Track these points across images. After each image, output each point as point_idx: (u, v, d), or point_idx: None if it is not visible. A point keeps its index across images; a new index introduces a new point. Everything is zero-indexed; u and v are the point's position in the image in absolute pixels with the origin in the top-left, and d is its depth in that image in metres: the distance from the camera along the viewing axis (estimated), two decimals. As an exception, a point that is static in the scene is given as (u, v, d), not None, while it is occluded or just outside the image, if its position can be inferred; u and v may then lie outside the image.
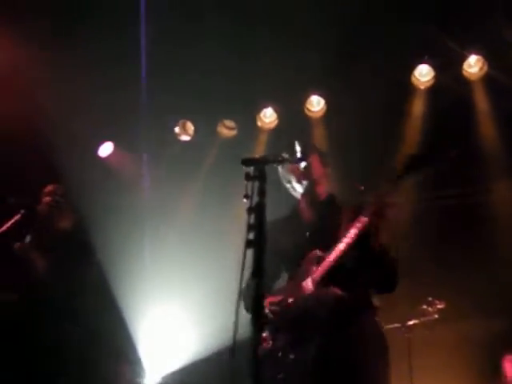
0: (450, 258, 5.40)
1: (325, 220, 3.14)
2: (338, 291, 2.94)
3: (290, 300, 3.02)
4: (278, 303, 3.03)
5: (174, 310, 5.69)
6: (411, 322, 4.84)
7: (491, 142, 5.54)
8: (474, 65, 5.45)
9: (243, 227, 2.49)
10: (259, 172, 2.52)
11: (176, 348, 5.69)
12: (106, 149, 6.32)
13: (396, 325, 4.76)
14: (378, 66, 5.36)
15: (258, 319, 2.27)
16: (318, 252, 3.03)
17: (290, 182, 3.30)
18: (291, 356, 2.93)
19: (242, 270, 2.38)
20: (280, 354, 2.94)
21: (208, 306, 5.25)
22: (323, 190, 3.28)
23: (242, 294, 2.43)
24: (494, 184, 5.61)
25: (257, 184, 2.50)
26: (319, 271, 2.97)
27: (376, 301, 3.10)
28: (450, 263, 5.36)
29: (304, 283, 3.01)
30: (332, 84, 5.68)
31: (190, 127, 6.40)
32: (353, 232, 2.91)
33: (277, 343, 2.97)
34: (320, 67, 5.38)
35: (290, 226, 3.27)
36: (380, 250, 2.92)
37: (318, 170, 3.25)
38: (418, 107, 5.50)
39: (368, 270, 2.97)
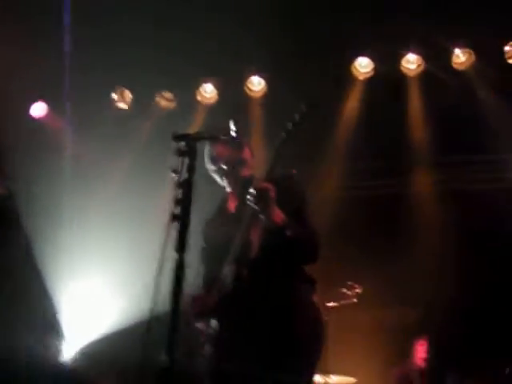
0: (373, 246, 5.58)
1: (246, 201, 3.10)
2: (235, 268, 2.91)
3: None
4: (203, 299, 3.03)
5: (98, 281, 5.64)
6: (330, 304, 4.91)
7: (419, 136, 5.75)
8: (412, 62, 5.60)
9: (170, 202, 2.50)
10: (190, 148, 2.54)
11: (97, 318, 5.66)
12: (37, 109, 6.16)
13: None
14: (318, 55, 5.42)
15: (177, 294, 2.29)
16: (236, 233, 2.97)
17: (215, 162, 3.21)
18: (222, 332, 2.96)
19: (165, 243, 2.38)
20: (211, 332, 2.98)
21: (131, 278, 5.23)
22: (248, 172, 3.20)
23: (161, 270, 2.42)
24: (419, 176, 5.83)
25: (187, 160, 2.52)
26: (231, 252, 2.94)
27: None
28: (372, 250, 5.54)
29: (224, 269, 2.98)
30: (273, 66, 5.71)
31: (128, 95, 6.31)
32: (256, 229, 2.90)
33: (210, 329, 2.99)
34: (264, 47, 5.38)
35: (218, 220, 3.22)
36: (279, 230, 2.87)
37: (247, 154, 3.21)
38: (355, 97, 5.60)
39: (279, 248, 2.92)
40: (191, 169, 2.50)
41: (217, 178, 3.24)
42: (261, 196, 2.85)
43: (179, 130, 2.63)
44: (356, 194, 5.95)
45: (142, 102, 6.25)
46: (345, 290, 5.01)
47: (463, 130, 5.51)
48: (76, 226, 5.75)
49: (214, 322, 3.00)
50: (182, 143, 2.53)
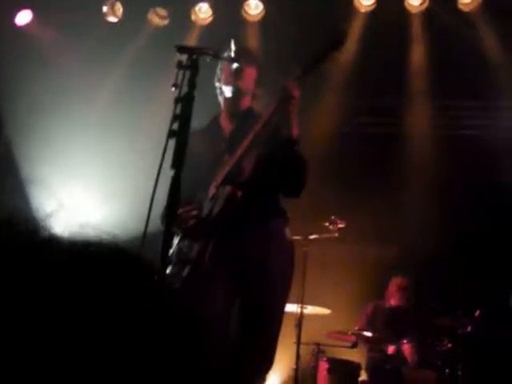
0: (361, 183, 5.57)
1: (242, 132, 2.98)
2: (230, 189, 2.83)
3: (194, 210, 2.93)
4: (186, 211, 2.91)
5: (88, 193, 5.58)
6: (311, 237, 4.90)
7: (418, 77, 5.66)
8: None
9: (163, 120, 2.41)
10: (192, 62, 2.43)
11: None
12: (23, 17, 5.90)
13: (296, 237, 4.88)
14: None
15: (172, 216, 2.24)
16: (226, 157, 2.93)
17: (219, 80, 3.15)
18: (192, 254, 2.92)
19: (162, 161, 2.30)
20: (185, 252, 2.93)
21: (123, 191, 5.19)
22: (246, 103, 3.10)
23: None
24: (415, 118, 5.78)
25: (188, 74, 2.42)
26: (221, 173, 2.89)
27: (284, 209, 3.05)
28: (361, 187, 5.53)
29: (210, 188, 2.92)
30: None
31: (119, 8, 6.04)
32: (261, 121, 2.84)
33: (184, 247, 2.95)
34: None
35: (207, 136, 3.10)
36: (291, 141, 2.83)
37: (249, 81, 3.06)
38: (355, 30, 5.45)
39: (274, 166, 2.87)
40: (192, 83, 2.41)
41: (218, 96, 3.16)
42: (291, 98, 2.77)
43: (171, 47, 2.52)
44: (349, 131, 5.89)
45: (134, 16, 6.00)
46: (327, 224, 5.02)
47: (462, 74, 5.43)
48: (64, 139, 5.58)
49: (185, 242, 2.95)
50: (185, 56, 2.42)
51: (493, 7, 5.30)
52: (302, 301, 4.74)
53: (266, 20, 5.69)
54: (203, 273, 2.85)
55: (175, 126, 2.35)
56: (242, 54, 2.99)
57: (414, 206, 5.55)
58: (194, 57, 2.42)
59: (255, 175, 2.90)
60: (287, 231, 3.04)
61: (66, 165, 5.47)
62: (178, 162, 2.27)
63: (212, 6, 5.85)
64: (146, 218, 2.25)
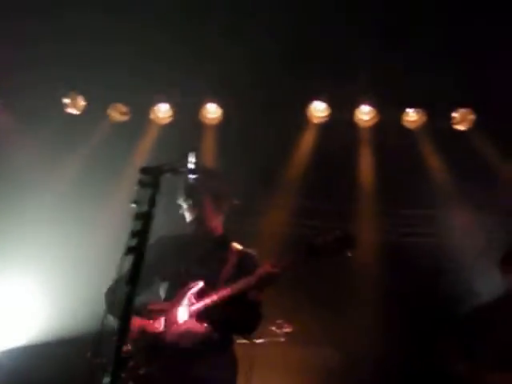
0: (310, 287, 5.64)
1: (213, 256, 3.25)
2: (207, 329, 3.07)
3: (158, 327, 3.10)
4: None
5: (27, 288, 5.45)
6: (258, 341, 4.94)
7: (366, 185, 5.92)
8: (366, 113, 5.77)
9: (111, 221, 2.46)
10: (153, 180, 2.53)
11: (21, 327, 5.46)
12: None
13: (242, 341, 4.88)
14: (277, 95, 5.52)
15: (125, 328, 2.26)
16: (202, 284, 3.12)
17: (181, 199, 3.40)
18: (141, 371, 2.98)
19: (119, 275, 2.35)
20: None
21: (60, 290, 5.10)
22: (215, 225, 3.38)
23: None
24: (363, 223, 6.00)
25: (149, 192, 2.50)
26: (200, 305, 3.09)
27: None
28: (309, 291, 5.60)
29: (180, 310, 3.10)
30: (231, 98, 5.76)
31: (80, 102, 6.16)
32: (244, 282, 3.05)
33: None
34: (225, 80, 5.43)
35: (179, 246, 3.32)
36: (255, 303, 3.12)
37: (207, 211, 3.33)
38: (308, 140, 5.72)
39: (239, 316, 3.12)
40: (152, 201, 2.49)
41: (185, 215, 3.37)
42: (270, 280, 3.02)
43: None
44: (300, 232, 6.03)
45: (95, 110, 6.11)
46: (274, 328, 5.05)
47: (407, 184, 5.72)
48: (13, 228, 5.50)
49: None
50: (147, 176, 2.52)
51: (436, 126, 5.68)
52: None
53: (223, 124, 5.90)
54: None
55: (133, 242, 2.40)
56: (201, 171, 3.14)
57: (358, 311, 5.64)
58: (156, 176, 2.51)
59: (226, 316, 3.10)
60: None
61: (17, 261, 5.38)
62: (133, 280, 2.31)
63: (172, 107, 6.03)
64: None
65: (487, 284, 4.68)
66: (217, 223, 3.40)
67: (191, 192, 3.30)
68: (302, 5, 4.95)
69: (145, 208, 2.47)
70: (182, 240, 3.39)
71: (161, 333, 3.10)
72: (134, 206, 2.47)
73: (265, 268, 3.04)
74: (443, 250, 5.78)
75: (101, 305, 3.15)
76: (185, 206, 3.34)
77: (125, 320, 2.28)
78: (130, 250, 2.37)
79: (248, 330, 3.27)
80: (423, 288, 5.67)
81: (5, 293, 5.46)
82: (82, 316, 4.18)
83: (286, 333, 5.05)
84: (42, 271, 5.37)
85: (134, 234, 2.41)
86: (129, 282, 2.32)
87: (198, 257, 3.29)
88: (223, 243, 3.36)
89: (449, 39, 5.04)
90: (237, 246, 3.37)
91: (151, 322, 3.14)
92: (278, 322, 5.06)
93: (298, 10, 4.94)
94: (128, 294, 2.31)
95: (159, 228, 2.51)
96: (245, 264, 3.20)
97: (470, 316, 4.10)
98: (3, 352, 5.43)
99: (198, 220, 3.32)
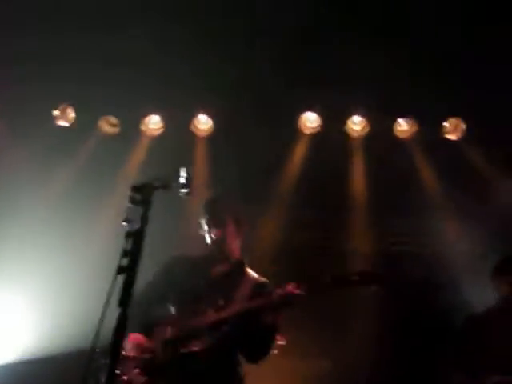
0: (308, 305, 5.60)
1: (228, 280, 3.27)
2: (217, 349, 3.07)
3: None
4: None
5: (16, 305, 5.39)
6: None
7: (358, 195, 5.91)
8: (357, 123, 5.77)
9: (102, 236, 2.43)
10: (145, 198, 2.50)
11: (9, 344, 5.40)
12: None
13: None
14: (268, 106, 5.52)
15: (116, 350, 2.22)
16: (215, 306, 3.13)
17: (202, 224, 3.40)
18: None
19: (108, 298, 2.32)
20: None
21: (50, 306, 5.05)
22: (234, 247, 3.41)
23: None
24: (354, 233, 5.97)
25: (140, 210, 2.47)
26: (213, 320, 3.09)
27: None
28: (301, 304, 5.55)
29: (191, 329, 3.10)
30: (223, 109, 5.74)
31: (71, 113, 6.12)
32: (258, 301, 3.07)
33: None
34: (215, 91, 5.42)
35: (193, 266, 3.35)
36: (268, 327, 3.13)
37: (229, 231, 3.36)
38: (300, 151, 5.71)
39: (252, 340, 3.18)
40: (144, 219, 2.46)
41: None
42: (291, 301, 3.04)
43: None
44: (293, 243, 6.00)
45: (85, 122, 6.08)
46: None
47: (399, 193, 5.72)
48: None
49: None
50: (138, 194, 2.49)
51: (428, 136, 5.69)
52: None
53: (214, 135, 5.88)
54: None
55: (124, 261, 2.37)
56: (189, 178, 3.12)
57: (351, 322, 5.62)
58: (148, 194, 2.49)
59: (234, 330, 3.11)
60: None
61: (6, 277, 5.32)
62: (124, 301, 2.27)
63: (163, 119, 6.01)
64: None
65: (480, 294, 4.68)
66: (236, 246, 3.41)
67: (215, 212, 3.31)
68: (293, 17, 4.96)
69: (137, 226, 2.44)
70: (197, 260, 3.39)
71: (170, 351, 3.07)
72: (125, 224, 2.44)
73: (285, 289, 3.02)
74: (435, 260, 5.78)
75: (91, 322, 3.10)
76: (207, 225, 3.33)
77: (116, 343, 2.24)
78: (121, 270, 2.34)
79: (260, 354, 3.28)
80: (416, 298, 5.65)
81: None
82: (71, 333, 4.12)
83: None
84: (31, 287, 5.30)
85: (125, 253, 2.38)
86: (120, 304, 2.28)
87: (213, 278, 3.29)
88: (239, 268, 3.37)
89: (439, 49, 5.07)
90: (252, 272, 3.39)
91: (160, 339, 3.12)
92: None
93: (288, 22, 4.95)
94: (119, 317, 2.27)
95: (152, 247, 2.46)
96: (258, 292, 3.18)
97: (464, 326, 4.11)
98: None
99: (220, 240, 3.31)
